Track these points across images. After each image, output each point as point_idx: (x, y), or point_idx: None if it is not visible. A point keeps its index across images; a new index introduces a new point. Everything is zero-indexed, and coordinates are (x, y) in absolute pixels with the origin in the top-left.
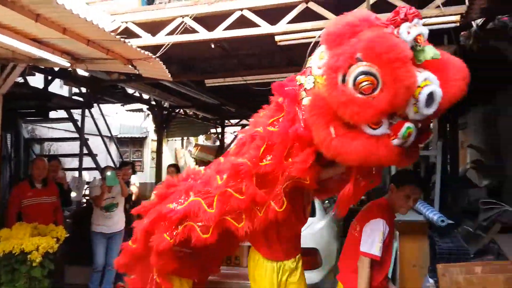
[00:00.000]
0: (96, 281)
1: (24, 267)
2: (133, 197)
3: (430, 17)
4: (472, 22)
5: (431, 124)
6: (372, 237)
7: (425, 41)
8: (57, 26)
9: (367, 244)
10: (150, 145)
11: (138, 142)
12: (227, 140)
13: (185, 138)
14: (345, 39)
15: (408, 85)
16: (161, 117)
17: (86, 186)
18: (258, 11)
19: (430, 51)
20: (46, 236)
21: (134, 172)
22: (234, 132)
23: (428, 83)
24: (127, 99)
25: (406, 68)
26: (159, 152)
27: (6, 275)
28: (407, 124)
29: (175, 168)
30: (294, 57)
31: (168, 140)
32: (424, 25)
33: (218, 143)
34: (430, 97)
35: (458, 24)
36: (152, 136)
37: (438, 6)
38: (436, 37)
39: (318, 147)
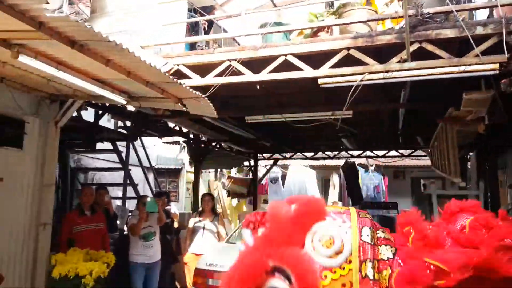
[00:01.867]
0: None
1: None
2: (176, 225)
3: (470, 64)
4: None
5: (469, 164)
6: None
7: None
8: (123, 70)
9: None
10: (185, 176)
11: (173, 173)
12: (259, 174)
13: (219, 170)
14: None
15: None
16: (199, 150)
17: (129, 214)
18: (301, 56)
19: None
20: (97, 261)
21: (169, 202)
22: (266, 165)
23: None
24: (168, 132)
25: None
26: (196, 183)
27: None
28: None
29: (210, 196)
30: (331, 96)
31: (202, 172)
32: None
33: (250, 176)
34: None
35: (497, 72)
36: (187, 167)
37: (477, 55)
38: (473, 81)
39: None
